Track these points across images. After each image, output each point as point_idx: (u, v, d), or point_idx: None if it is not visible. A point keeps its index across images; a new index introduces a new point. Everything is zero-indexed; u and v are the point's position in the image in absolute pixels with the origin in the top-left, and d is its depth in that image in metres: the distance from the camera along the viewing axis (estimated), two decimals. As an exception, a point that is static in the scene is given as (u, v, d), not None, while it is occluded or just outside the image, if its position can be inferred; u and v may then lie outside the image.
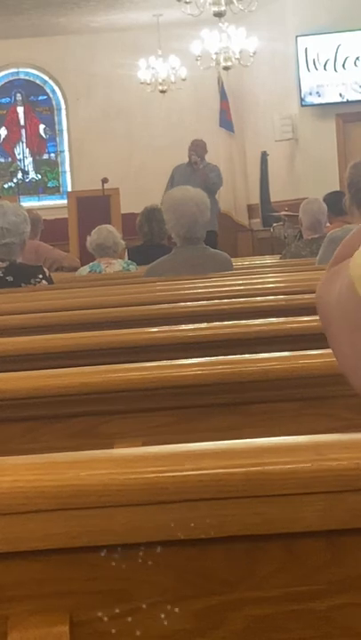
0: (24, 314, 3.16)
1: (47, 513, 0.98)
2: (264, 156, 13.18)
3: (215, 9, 10.89)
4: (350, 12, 12.00)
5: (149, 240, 6.83)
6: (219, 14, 11.01)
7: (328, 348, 1.90)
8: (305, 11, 12.50)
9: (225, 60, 11.75)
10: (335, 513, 0.99)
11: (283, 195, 12.57)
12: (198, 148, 10.90)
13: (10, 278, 4.44)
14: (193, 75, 12.87)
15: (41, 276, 4.54)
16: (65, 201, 12.15)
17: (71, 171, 14.71)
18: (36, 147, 14.90)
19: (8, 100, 14.80)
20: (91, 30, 13.82)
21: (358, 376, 0.93)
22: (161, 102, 13.62)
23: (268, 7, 12.29)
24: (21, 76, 14.75)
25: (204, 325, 2.47)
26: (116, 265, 6.31)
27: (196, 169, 10.63)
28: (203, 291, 3.62)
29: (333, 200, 6.55)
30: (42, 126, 14.88)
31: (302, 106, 12.74)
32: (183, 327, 2.48)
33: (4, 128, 14.78)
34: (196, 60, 11.78)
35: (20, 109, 14.85)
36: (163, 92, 13.42)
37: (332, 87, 12.57)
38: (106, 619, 1.01)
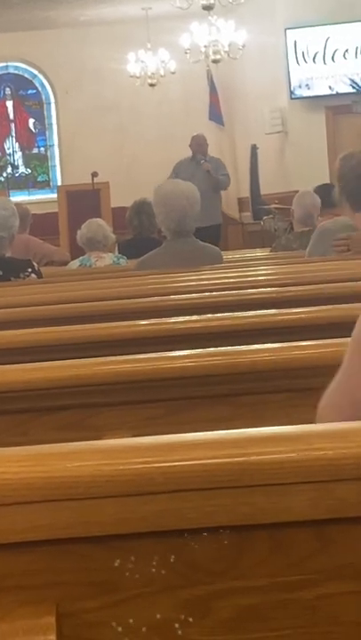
0: (13, 307, 3.15)
1: (34, 504, 0.97)
2: (254, 149, 13.15)
3: (204, 2, 10.87)
4: (339, 5, 11.99)
5: (139, 234, 6.82)
6: (208, 7, 10.99)
7: (318, 339, 1.92)
8: (294, 3, 12.48)
9: (214, 53, 11.71)
10: (323, 502, 0.99)
11: (273, 187, 12.55)
12: (203, 146, 10.73)
13: (-1, 272, 4.44)
14: (182, 68, 12.84)
15: (30, 270, 4.53)
16: (55, 195, 12.13)
17: (61, 165, 14.67)
18: (26, 141, 14.86)
19: (-3, 94, 14.77)
20: (80, 24, 13.78)
21: None
22: (150, 96, 13.58)
23: (256, 0, 12.27)
24: (10, 71, 14.70)
25: (195, 318, 2.47)
26: (107, 259, 6.30)
27: (200, 163, 10.52)
28: (193, 283, 3.61)
29: (323, 192, 6.53)
30: (31, 120, 14.84)
31: (292, 99, 12.73)
32: (174, 320, 2.47)
33: (-7, 122, 14.76)
34: (186, 53, 11.74)
35: (10, 103, 14.80)
36: (152, 85, 13.38)
37: (322, 80, 12.57)
38: (93, 610, 1.01)
